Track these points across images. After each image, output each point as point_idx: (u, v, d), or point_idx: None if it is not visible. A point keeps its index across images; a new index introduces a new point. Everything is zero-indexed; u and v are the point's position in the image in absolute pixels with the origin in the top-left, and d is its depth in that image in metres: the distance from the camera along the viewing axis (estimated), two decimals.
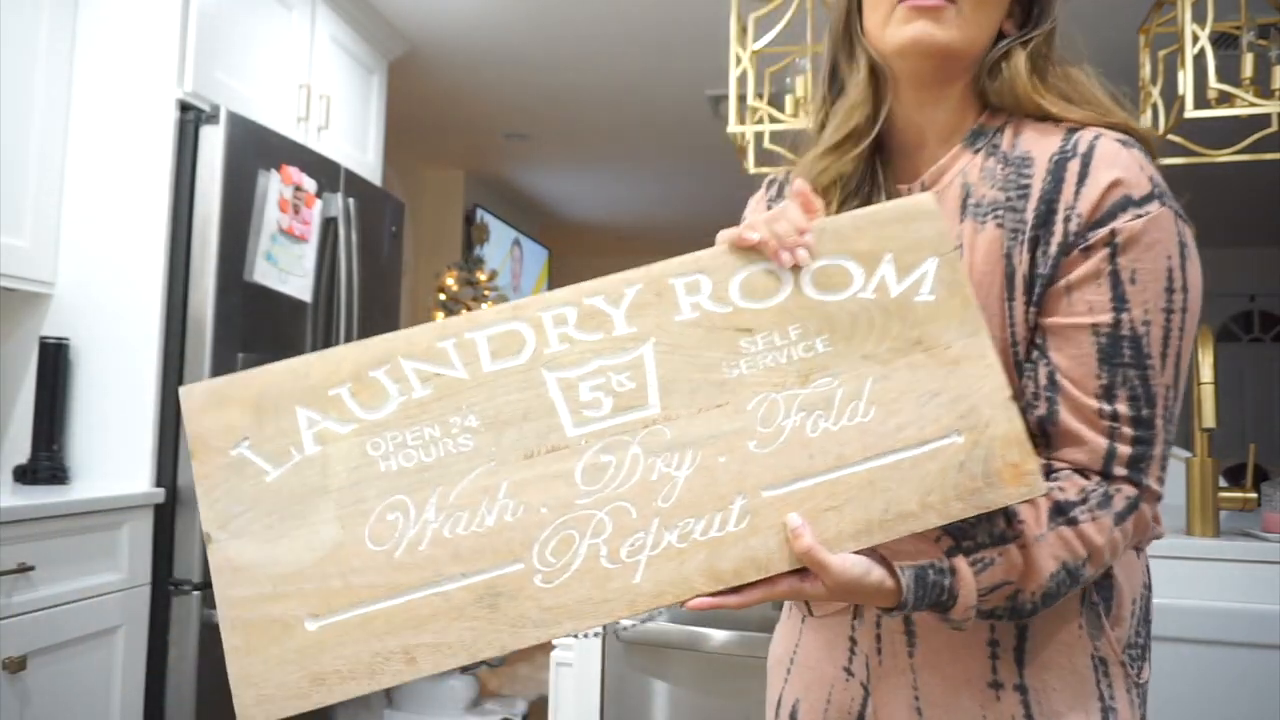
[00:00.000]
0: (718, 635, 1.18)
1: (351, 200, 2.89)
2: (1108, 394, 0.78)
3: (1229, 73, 2.32)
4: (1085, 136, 0.82)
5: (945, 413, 0.77)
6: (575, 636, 0.87)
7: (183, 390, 0.77)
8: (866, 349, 0.78)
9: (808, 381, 0.78)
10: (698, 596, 0.73)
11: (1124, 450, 0.78)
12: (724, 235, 0.82)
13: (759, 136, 2.69)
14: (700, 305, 0.79)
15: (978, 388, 0.78)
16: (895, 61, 0.87)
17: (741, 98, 2.58)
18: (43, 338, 2.26)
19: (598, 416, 0.77)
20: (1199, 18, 2.21)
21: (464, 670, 2.74)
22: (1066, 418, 0.79)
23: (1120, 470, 0.78)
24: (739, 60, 2.54)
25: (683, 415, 0.77)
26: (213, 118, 2.35)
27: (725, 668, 1.20)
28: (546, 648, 1.42)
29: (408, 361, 0.77)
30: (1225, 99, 2.23)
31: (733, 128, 2.59)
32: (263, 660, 0.72)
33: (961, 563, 0.77)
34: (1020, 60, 0.85)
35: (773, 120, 2.54)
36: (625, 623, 1.26)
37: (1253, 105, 2.21)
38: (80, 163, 2.36)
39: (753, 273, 0.79)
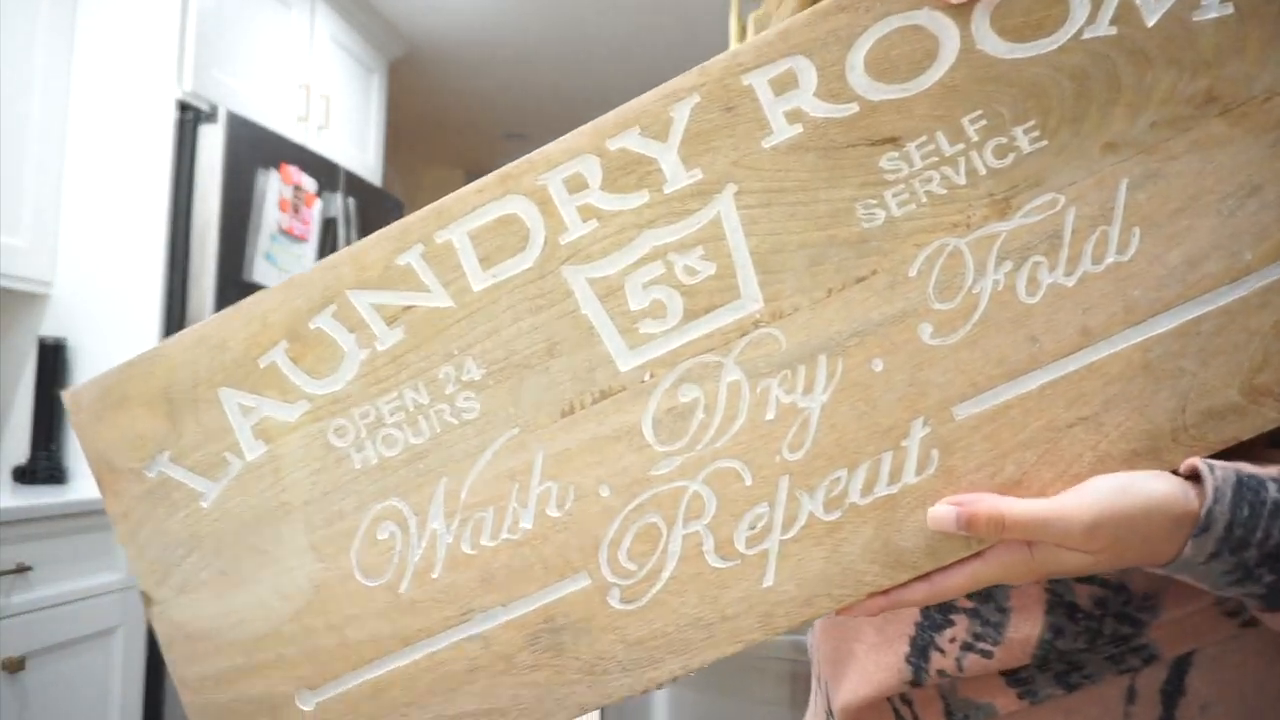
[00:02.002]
0: None
1: (351, 200, 2.82)
2: None
3: None
4: None
5: (1277, 220, 0.43)
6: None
7: (66, 396, 0.53)
8: (1112, 132, 0.44)
9: (1011, 210, 0.45)
10: (870, 596, 0.45)
11: None
12: None
13: None
14: (803, 112, 0.46)
15: None
16: None
17: None
18: (41, 338, 2.22)
19: (663, 331, 0.47)
20: None
21: None
22: None
23: None
24: None
25: (803, 306, 0.46)
26: (212, 117, 2.28)
27: (725, 668, 1.13)
28: None
29: (360, 295, 0.49)
30: None
31: None
32: None
33: None
34: None
35: None
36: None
37: None
38: (79, 162, 2.30)
39: (883, 35, 0.45)
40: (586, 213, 0.47)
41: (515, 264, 0.48)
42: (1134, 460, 0.44)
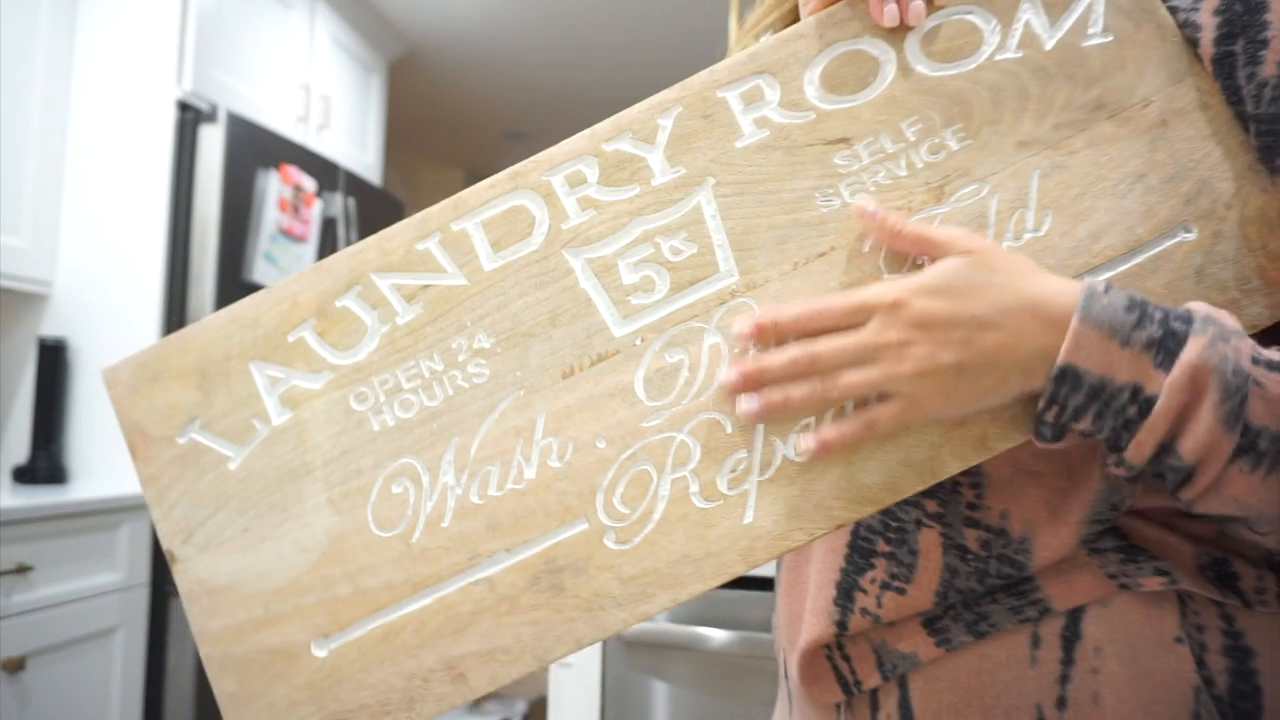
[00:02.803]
0: (718, 635, 1.13)
1: (351, 200, 2.83)
2: None
3: None
4: None
5: (1160, 200, 0.52)
6: None
7: (105, 371, 0.58)
8: (1023, 132, 0.53)
9: (945, 195, 0.53)
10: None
11: None
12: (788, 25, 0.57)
13: None
14: (768, 119, 0.55)
15: (1202, 154, 0.52)
16: None
17: None
18: (41, 338, 2.23)
19: (652, 302, 0.54)
20: None
21: None
22: None
23: None
24: None
25: (772, 279, 0.53)
26: (212, 117, 2.30)
27: (725, 668, 1.15)
28: None
29: (383, 277, 0.56)
30: None
31: None
32: (266, 707, 0.53)
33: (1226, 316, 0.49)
34: None
35: None
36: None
37: None
38: (79, 162, 2.30)
39: (834, 58, 0.55)
40: (585, 203, 0.55)
41: (522, 247, 0.55)
42: None
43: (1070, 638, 0.52)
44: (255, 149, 2.38)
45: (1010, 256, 0.50)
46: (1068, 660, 0.51)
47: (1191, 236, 0.51)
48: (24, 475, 2.14)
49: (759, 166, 0.54)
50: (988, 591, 0.54)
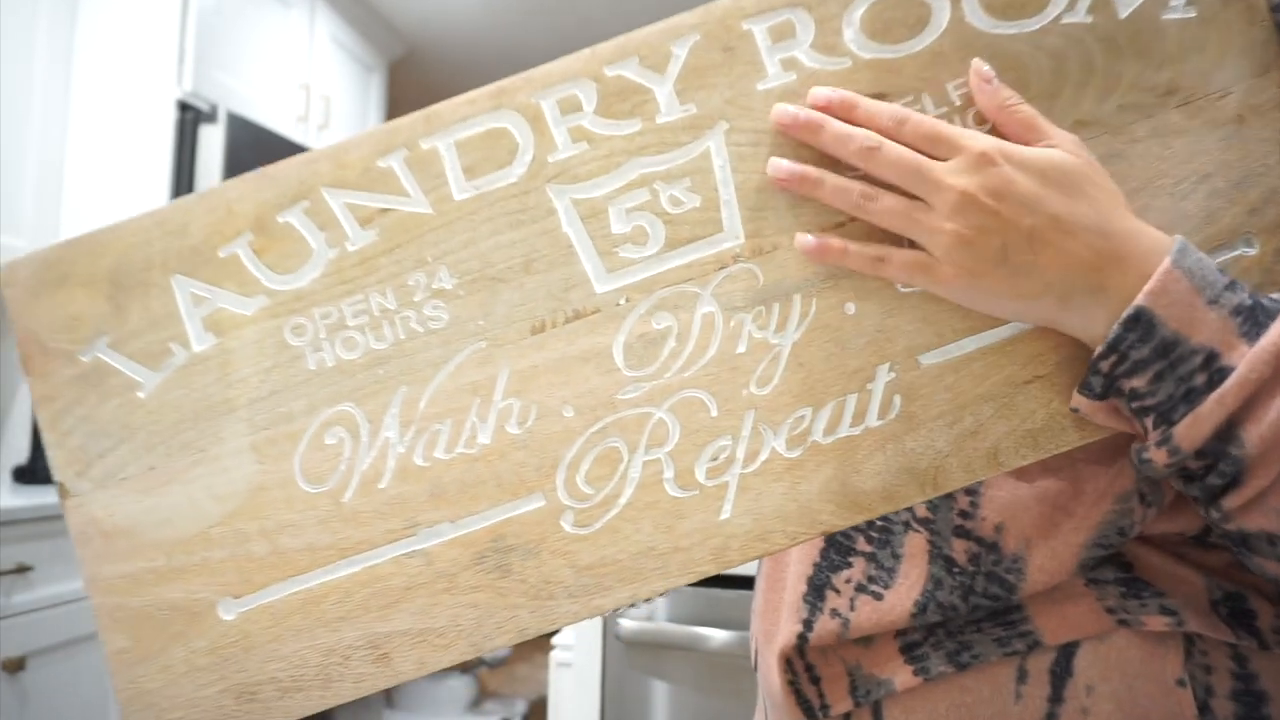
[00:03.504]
0: (718, 635, 1.10)
1: None
2: None
3: None
4: None
5: (1224, 207, 0.46)
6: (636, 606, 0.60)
7: (4, 268, 0.50)
8: (1082, 110, 0.47)
9: None
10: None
11: None
12: None
13: None
14: (797, 62, 0.47)
15: (1276, 160, 0.46)
16: None
17: None
18: None
19: (643, 257, 0.47)
20: None
21: (463, 670, 2.58)
22: None
23: None
24: None
25: (782, 245, 0.47)
26: (212, 117, 2.29)
27: (725, 668, 1.14)
28: (546, 645, 1.26)
29: (336, 193, 0.48)
30: None
31: None
32: (161, 669, 0.47)
33: None
34: None
35: None
36: (622, 620, 1.12)
37: None
38: (79, 163, 2.30)
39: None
40: (578, 134, 0.48)
41: (500, 177, 0.48)
42: (1083, 423, 0.46)
43: (1060, 674, 0.47)
44: (255, 149, 2.38)
45: (1114, 185, 0.44)
46: (1056, 699, 0.47)
47: (1253, 252, 0.46)
48: (24, 475, 2.12)
49: None
50: (972, 618, 0.49)
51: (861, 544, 0.52)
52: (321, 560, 0.47)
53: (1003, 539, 0.49)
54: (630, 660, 1.17)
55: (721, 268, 0.47)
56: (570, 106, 0.48)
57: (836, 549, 0.53)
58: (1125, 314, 0.41)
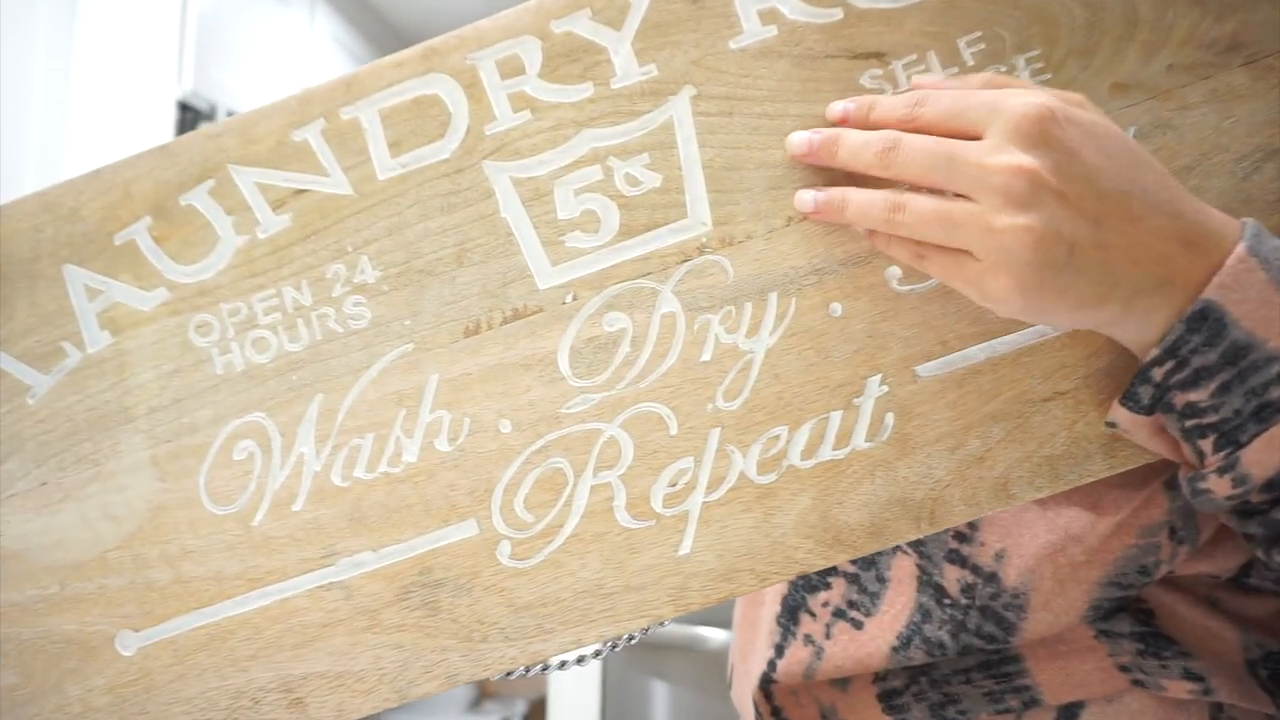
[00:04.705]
0: (718, 635, 1.08)
1: None
2: None
3: None
4: None
5: None
6: (601, 654, 0.54)
7: None
8: (1123, 71, 0.38)
9: None
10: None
11: None
12: None
13: None
14: (779, 13, 0.40)
15: None
16: None
17: None
18: None
19: (593, 247, 0.40)
20: None
21: None
22: None
23: None
24: None
25: (757, 234, 0.40)
26: (212, 117, 2.26)
27: (725, 668, 1.07)
28: None
29: (244, 172, 0.42)
30: None
31: None
32: (55, 709, 0.42)
33: None
34: None
35: None
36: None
37: None
38: (79, 162, 2.24)
39: None
40: (519, 102, 0.41)
41: (430, 153, 0.41)
42: (1113, 449, 0.38)
43: None
44: None
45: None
46: None
47: None
48: None
49: (758, 79, 0.40)
50: (960, 666, 0.42)
51: (844, 565, 0.45)
52: (229, 591, 0.41)
53: (1003, 569, 0.42)
54: (630, 660, 1.14)
55: (685, 260, 0.40)
56: (511, 69, 0.41)
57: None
58: (1190, 310, 0.33)
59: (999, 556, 0.42)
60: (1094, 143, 0.33)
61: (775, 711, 0.46)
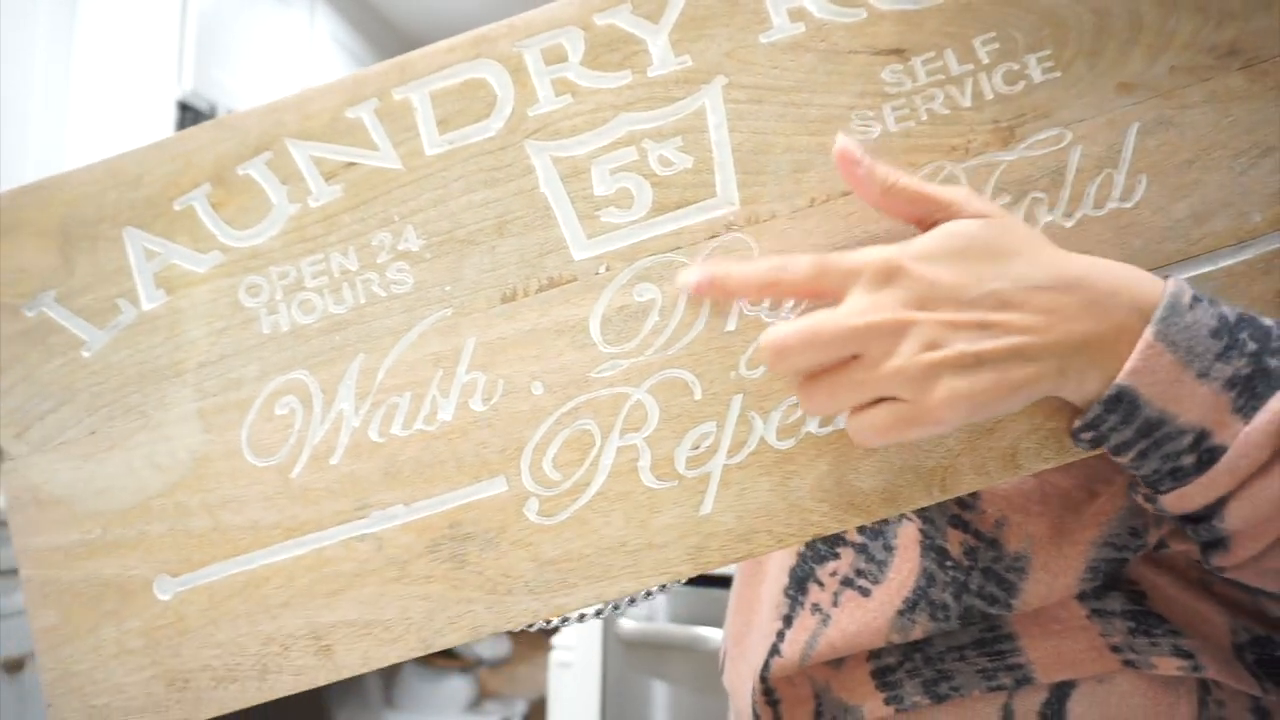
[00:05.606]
0: (718, 635, 1.08)
1: None
2: None
3: None
4: None
5: None
6: (602, 613, 0.55)
7: None
8: (1128, 72, 0.41)
9: (1014, 139, 0.42)
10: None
11: None
12: None
13: None
14: (806, 11, 0.43)
15: None
16: None
17: None
18: None
19: (627, 222, 0.43)
20: None
21: (463, 670, 2.54)
22: None
23: None
24: None
25: (781, 213, 0.42)
26: (211, 117, 2.29)
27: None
28: (546, 645, 1.23)
29: (300, 145, 0.45)
30: None
31: None
32: (91, 649, 0.44)
33: None
34: None
35: None
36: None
37: None
38: (79, 163, 2.29)
39: None
40: (561, 87, 0.43)
41: (475, 131, 0.44)
42: None
43: (1051, 717, 0.42)
44: None
45: (1035, 231, 0.38)
46: None
47: None
48: None
49: (786, 70, 0.42)
50: (955, 643, 0.44)
51: (852, 533, 0.47)
52: (265, 540, 0.43)
53: (1003, 535, 0.44)
54: (630, 660, 1.15)
55: (713, 236, 0.42)
56: (555, 56, 0.44)
57: (824, 539, 0.48)
58: (1106, 394, 0.36)
59: (999, 524, 0.44)
60: (949, 263, 0.36)
61: (773, 703, 0.48)
